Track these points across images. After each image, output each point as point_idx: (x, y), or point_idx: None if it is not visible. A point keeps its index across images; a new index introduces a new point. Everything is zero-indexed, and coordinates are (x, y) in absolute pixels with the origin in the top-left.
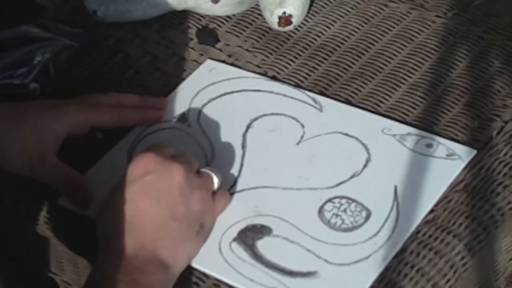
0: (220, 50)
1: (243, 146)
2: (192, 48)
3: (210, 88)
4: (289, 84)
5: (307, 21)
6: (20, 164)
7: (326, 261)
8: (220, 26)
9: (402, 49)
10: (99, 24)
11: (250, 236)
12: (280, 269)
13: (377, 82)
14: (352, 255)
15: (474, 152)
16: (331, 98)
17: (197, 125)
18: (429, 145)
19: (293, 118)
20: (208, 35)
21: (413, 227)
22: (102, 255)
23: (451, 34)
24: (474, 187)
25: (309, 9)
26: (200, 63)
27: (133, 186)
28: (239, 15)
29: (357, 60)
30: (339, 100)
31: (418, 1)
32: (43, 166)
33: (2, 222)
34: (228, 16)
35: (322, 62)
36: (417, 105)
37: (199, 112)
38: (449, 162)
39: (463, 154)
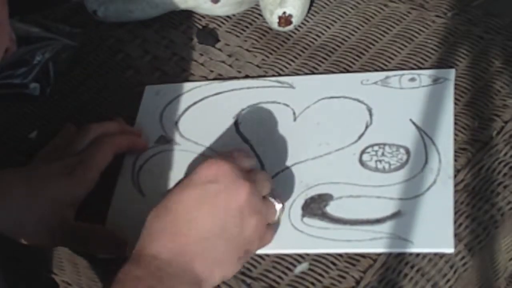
0: (220, 50)
1: (246, 140)
2: (192, 48)
3: (170, 108)
4: (242, 78)
5: (307, 21)
6: (39, 235)
7: (401, 199)
8: (220, 26)
9: (402, 49)
10: (99, 24)
11: (315, 207)
12: (365, 222)
13: None
14: (421, 185)
15: (453, 71)
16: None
17: (186, 140)
18: (412, 79)
19: (273, 102)
20: (208, 35)
21: (451, 142)
22: (137, 253)
23: (451, 34)
24: (474, 187)
25: (309, 9)
26: (200, 63)
27: (194, 189)
28: (239, 15)
29: (357, 60)
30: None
31: (418, 1)
32: (64, 232)
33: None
34: (228, 16)
35: (322, 62)
36: None
37: (177, 130)
38: (439, 86)
39: (446, 75)
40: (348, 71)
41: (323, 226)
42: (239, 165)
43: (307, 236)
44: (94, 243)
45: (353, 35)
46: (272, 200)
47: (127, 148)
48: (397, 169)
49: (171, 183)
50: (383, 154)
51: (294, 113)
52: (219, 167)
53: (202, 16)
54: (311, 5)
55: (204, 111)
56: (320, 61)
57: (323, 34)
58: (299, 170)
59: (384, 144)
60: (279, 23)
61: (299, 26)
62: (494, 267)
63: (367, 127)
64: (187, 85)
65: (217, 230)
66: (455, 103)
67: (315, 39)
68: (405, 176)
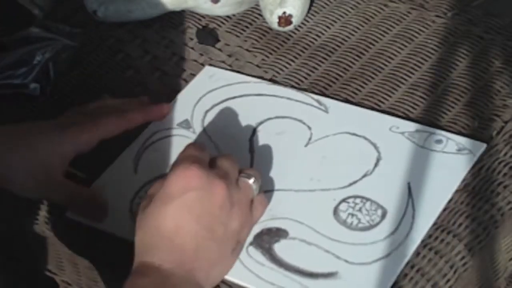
0: (220, 50)
1: (251, 151)
2: (192, 48)
3: (212, 94)
4: (291, 87)
5: (307, 21)
6: (25, 186)
7: (346, 261)
8: (220, 26)
9: (402, 49)
10: (99, 24)
11: (266, 239)
12: (300, 271)
13: (377, 82)
14: (372, 254)
15: (484, 146)
16: (331, 98)
17: (202, 131)
18: (439, 141)
19: (299, 121)
20: (208, 35)
21: (430, 223)
22: (141, 265)
23: (451, 34)
24: (474, 187)
25: (309, 9)
26: (200, 63)
27: (174, 201)
28: (239, 15)
29: (357, 60)
30: (339, 100)
31: (418, 1)
32: (49, 187)
33: (2, 221)
34: (228, 16)
35: (322, 62)
36: (417, 105)
37: (203, 118)
38: (460, 157)
39: (473, 148)
40: (381, 102)
41: (261, 261)
42: (202, 160)
43: (242, 266)
44: (76, 204)
45: (353, 35)
46: (244, 179)
47: (141, 121)
48: (363, 229)
49: (165, 170)
50: (359, 209)
51: (310, 139)
52: (189, 173)
53: (202, 16)
54: (311, 5)
55: (236, 108)
56: (320, 61)
57: (323, 34)
58: (276, 197)
59: (368, 199)
60: (279, 23)
61: (299, 26)
62: (494, 267)
63: (364, 175)
64: (240, 77)
65: (206, 234)
66: (455, 103)
67: (315, 39)
68: (364, 239)
